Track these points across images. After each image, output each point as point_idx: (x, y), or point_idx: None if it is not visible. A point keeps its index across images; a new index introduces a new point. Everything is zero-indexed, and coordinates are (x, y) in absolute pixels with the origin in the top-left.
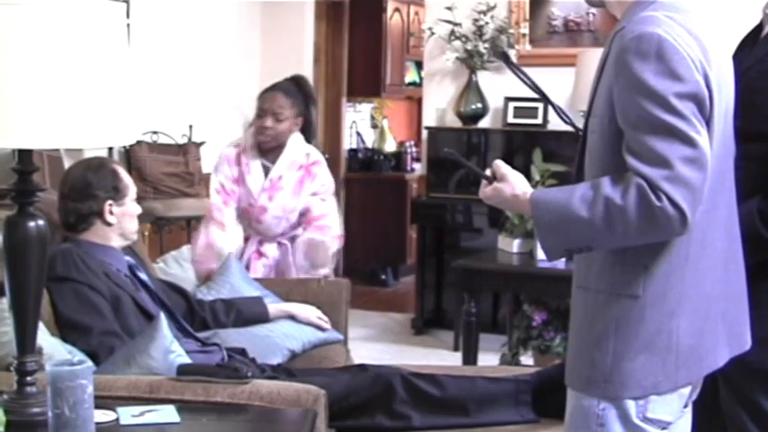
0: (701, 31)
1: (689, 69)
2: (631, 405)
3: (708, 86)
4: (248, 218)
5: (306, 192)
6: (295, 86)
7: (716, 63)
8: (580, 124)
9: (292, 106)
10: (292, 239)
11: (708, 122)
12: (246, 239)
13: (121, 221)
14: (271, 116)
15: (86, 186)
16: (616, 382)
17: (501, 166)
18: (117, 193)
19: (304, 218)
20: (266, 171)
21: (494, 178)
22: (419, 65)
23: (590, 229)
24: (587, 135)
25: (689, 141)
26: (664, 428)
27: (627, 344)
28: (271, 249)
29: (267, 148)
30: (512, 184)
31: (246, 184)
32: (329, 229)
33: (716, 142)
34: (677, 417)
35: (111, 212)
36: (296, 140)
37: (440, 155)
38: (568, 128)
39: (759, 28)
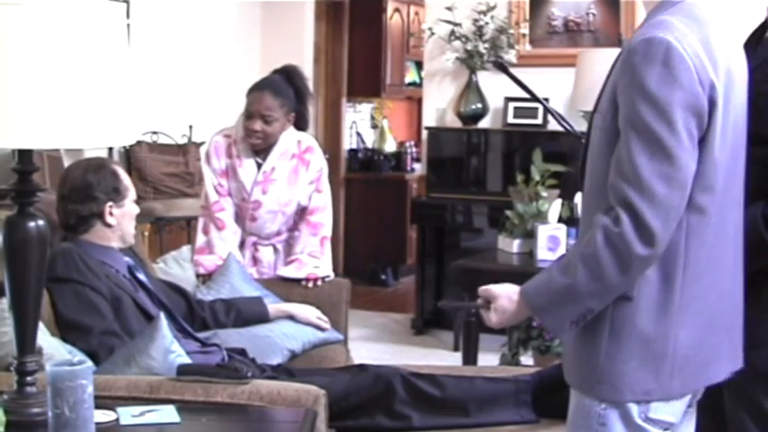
0: (717, 42)
1: (691, 80)
2: (633, 405)
3: (711, 99)
4: (242, 215)
5: (302, 181)
6: (285, 80)
7: (725, 75)
8: (579, 126)
9: (282, 105)
10: (288, 243)
11: (705, 136)
12: (241, 244)
13: (121, 223)
14: (259, 118)
15: (87, 188)
16: (607, 384)
17: (487, 289)
18: (117, 194)
19: (302, 214)
20: (258, 165)
21: (488, 303)
22: (419, 65)
23: (578, 290)
24: (591, 131)
25: (670, 157)
26: (666, 429)
27: (619, 346)
28: (266, 253)
29: (258, 150)
30: (505, 296)
31: (239, 178)
32: (321, 227)
33: (725, 156)
34: (680, 418)
35: (112, 214)
36: (287, 132)
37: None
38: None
39: (763, 27)
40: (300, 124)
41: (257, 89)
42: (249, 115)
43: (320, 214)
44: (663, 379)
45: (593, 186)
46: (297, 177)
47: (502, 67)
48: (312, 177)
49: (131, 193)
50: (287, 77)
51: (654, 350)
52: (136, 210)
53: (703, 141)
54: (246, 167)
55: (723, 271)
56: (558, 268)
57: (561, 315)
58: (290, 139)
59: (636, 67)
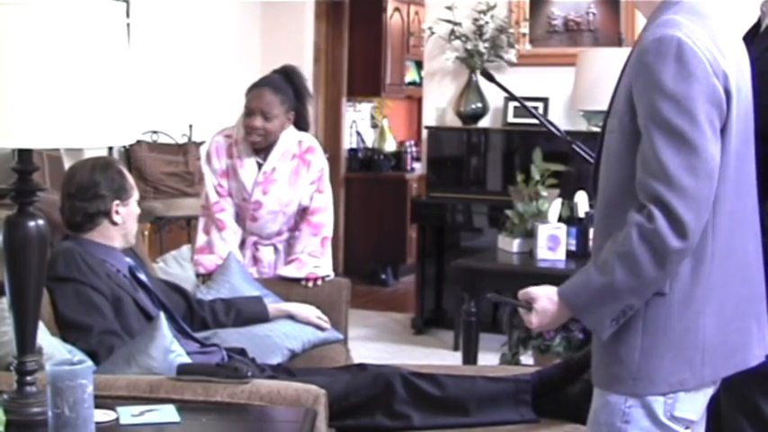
0: (722, 34)
1: (706, 73)
2: (659, 403)
3: (726, 89)
4: (243, 216)
5: (303, 182)
6: (285, 79)
7: (735, 65)
8: (578, 126)
9: (282, 102)
10: (288, 243)
11: (725, 126)
12: (242, 244)
13: (126, 222)
14: (259, 115)
15: (94, 186)
16: (644, 380)
17: (526, 291)
18: (124, 193)
19: (302, 215)
20: (259, 166)
21: (530, 305)
22: (419, 64)
23: (617, 288)
24: (605, 135)
25: (695, 150)
26: (687, 427)
27: (655, 341)
28: (267, 253)
29: (258, 148)
30: (545, 296)
31: (239, 178)
32: (322, 228)
33: (738, 143)
34: (701, 415)
35: (118, 212)
36: (287, 132)
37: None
38: (568, 128)
39: (758, 25)
40: (301, 124)
41: (257, 86)
42: (249, 112)
43: (321, 215)
44: (695, 367)
45: (612, 189)
46: (297, 178)
47: (488, 76)
48: (313, 178)
49: (136, 193)
50: (286, 77)
51: (687, 341)
52: (138, 210)
53: (722, 131)
54: (247, 168)
55: (745, 257)
56: (596, 268)
57: (602, 314)
58: (290, 140)
59: (650, 66)
